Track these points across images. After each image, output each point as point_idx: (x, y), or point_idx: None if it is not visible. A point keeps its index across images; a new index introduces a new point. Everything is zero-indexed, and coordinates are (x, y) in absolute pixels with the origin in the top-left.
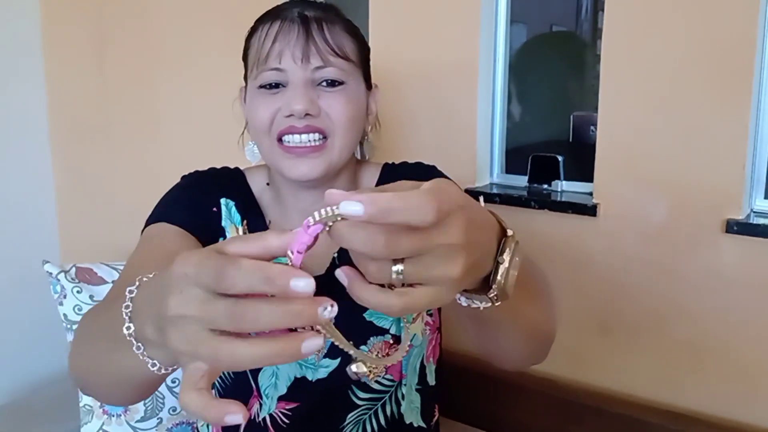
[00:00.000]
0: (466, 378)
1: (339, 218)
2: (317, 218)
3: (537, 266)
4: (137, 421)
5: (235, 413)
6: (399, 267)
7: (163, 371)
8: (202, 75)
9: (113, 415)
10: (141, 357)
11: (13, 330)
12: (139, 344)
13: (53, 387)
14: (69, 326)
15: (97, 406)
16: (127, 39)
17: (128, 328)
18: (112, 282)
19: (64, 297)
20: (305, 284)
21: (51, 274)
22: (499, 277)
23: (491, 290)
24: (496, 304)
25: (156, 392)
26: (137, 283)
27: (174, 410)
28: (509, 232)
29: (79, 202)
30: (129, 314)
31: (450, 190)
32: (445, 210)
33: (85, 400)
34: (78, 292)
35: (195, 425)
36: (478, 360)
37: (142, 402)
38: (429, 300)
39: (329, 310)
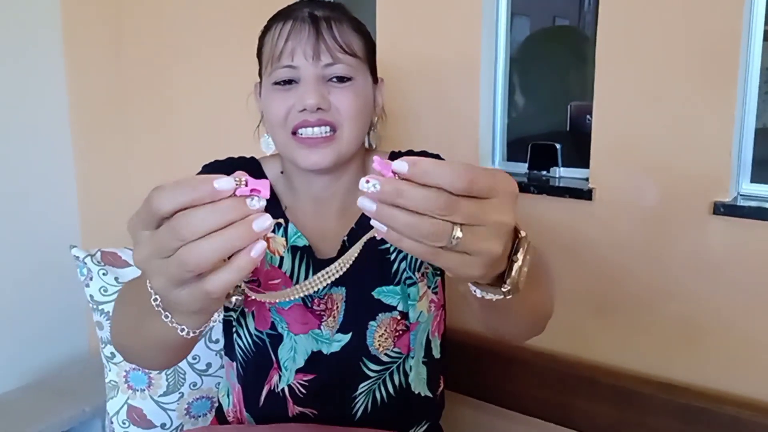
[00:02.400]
0: (469, 353)
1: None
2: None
3: (541, 253)
4: (160, 395)
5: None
6: (459, 232)
7: (191, 335)
8: (214, 69)
9: (137, 390)
10: (170, 324)
11: (38, 313)
12: (167, 313)
13: (79, 365)
14: (95, 306)
15: (122, 381)
16: (143, 34)
17: (155, 299)
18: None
19: (91, 279)
20: (226, 182)
21: (78, 258)
22: (513, 274)
23: (505, 285)
24: (508, 297)
25: (178, 368)
26: None
27: (194, 385)
28: (522, 233)
29: (99, 191)
30: (153, 289)
31: (499, 176)
32: (485, 184)
33: (111, 376)
34: (104, 274)
35: (216, 398)
36: (480, 336)
37: (165, 377)
38: (476, 268)
39: (256, 200)
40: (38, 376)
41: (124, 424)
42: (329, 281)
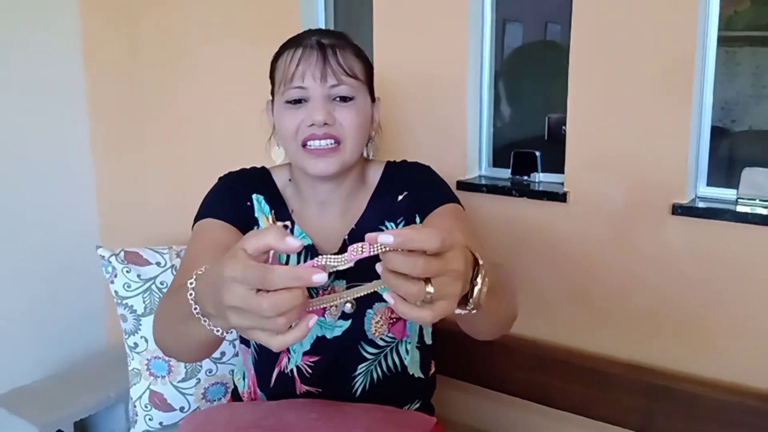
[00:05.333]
0: (458, 340)
1: (381, 248)
2: (360, 251)
3: (503, 268)
4: (179, 381)
5: (312, 319)
6: (431, 288)
7: (224, 334)
8: (222, 81)
9: (158, 377)
10: (208, 327)
11: (61, 310)
12: (205, 318)
13: (100, 357)
14: (119, 301)
15: (144, 369)
16: (158, 48)
17: (195, 309)
18: (156, 263)
19: (115, 276)
20: (321, 277)
21: (104, 257)
22: (475, 296)
23: (469, 304)
24: (473, 312)
25: None
26: (194, 276)
27: (210, 372)
28: (480, 261)
29: (117, 197)
30: (193, 299)
31: (455, 234)
32: (449, 243)
33: (134, 364)
34: (127, 272)
35: (229, 384)
36: None
37: (183, 365)
38: (443, 310)
39: (319, 276)
40: (64, 367)
41: (146, 407)
42: (355, 296)
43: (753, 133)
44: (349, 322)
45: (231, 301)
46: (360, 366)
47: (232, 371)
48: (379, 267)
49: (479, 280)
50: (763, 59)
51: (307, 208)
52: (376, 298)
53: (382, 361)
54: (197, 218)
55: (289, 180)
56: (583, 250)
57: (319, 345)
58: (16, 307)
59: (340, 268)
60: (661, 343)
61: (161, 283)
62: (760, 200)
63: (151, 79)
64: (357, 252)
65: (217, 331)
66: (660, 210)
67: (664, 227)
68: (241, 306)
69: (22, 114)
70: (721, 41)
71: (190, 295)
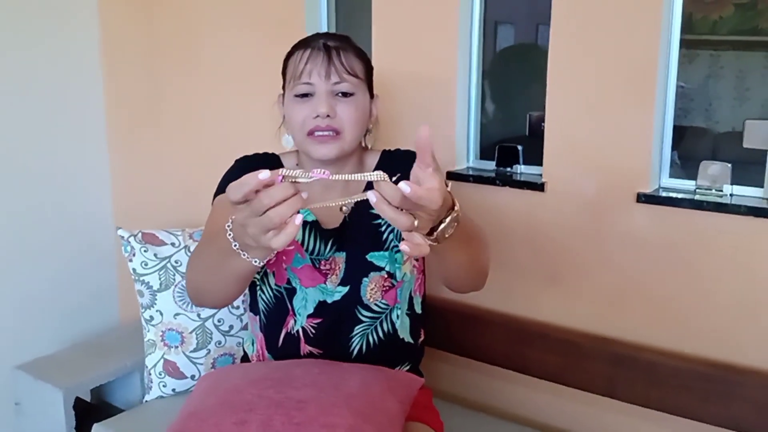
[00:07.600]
0: (446, 316)
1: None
2: (321, 173)
3: (474, 223)
4: (191, 351)
5: (298, 217)
6: (416, 221)
7: (261, 263)
8: (234, 74)
9: (172, 347)
10: (247, 258)
11: (78, 288)
12: (244, 252)
13: (114, 332)
14: (137, 278)
15: (159, 340)
16: (172, 41)
17: (235, 245)
18: (171, 244)
19: (134, 255)
20: (263, 174)
21: (123, 237)
22: (435, 233)
23: (432, 235)
24: (434, 243)
25: (206, 329)
26: (230, 221)
27: (219, 343)
28: (456, 207)
29: (131, 182)
30: (232, 238)
31: (427, 196)
32: (408, 204)
33: (149, 336)
34: (144, 251)
35: (236, 355)
36: (454, 302)
37: (195, 336)
38: (422, 228)
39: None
40: (81, 339)
41: (160, 375)
42: (354, 200)
43: (736, 134)
44: (348, 288)
45: (242, 215)
46: (357, 328)
47: (239, 343)
48: (371, 196)
49: (442, 226)
50: (746, 63)
51: (311, 190)
52: (371, 268)
53: (377, 326)
54: (216, 194)
55: (296, 165)
56: (559, 234)
57: (322, 309)
58: (38, 285)
59: (300, 180)
60: (625, 317)
61: (176, 262)
62: (716, 190)
63: (165, 71)
64: (319, 172)
65: (255, 261)
66: (626, 198)
67: (630, 214)
68: (250, 209)
69: (41, 103)
70: (706, 45)
71: (229, 235)
